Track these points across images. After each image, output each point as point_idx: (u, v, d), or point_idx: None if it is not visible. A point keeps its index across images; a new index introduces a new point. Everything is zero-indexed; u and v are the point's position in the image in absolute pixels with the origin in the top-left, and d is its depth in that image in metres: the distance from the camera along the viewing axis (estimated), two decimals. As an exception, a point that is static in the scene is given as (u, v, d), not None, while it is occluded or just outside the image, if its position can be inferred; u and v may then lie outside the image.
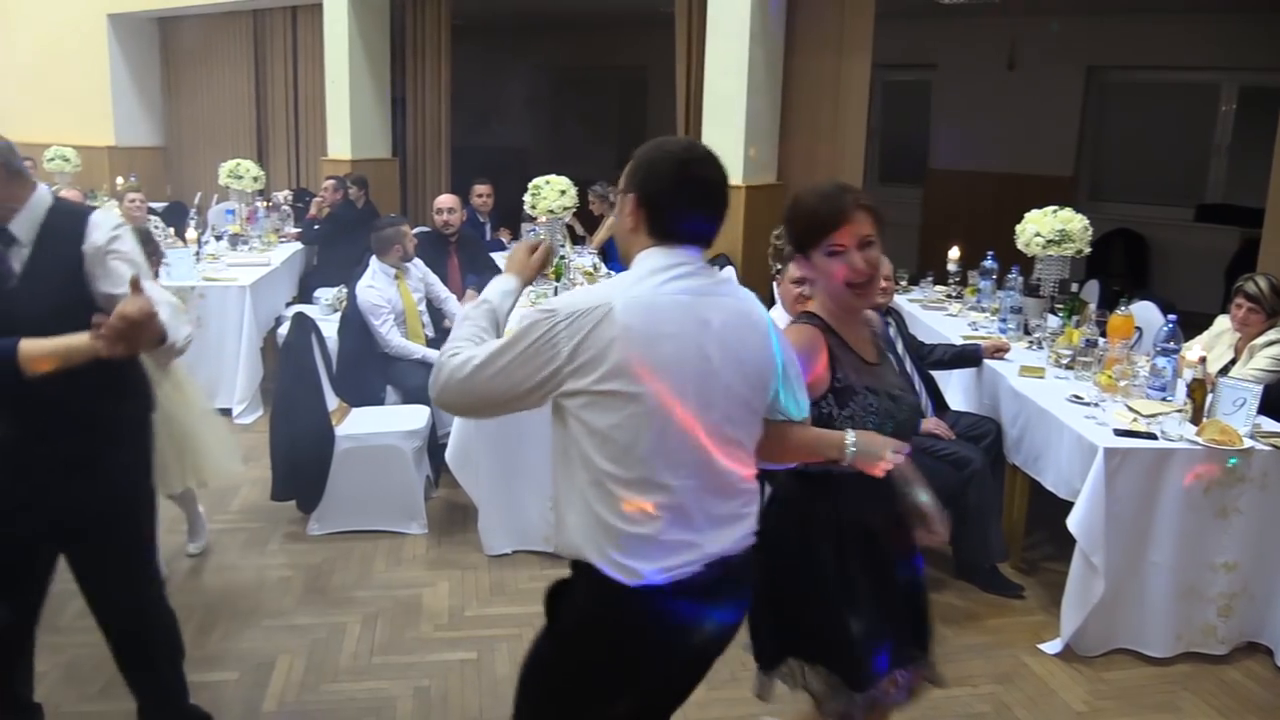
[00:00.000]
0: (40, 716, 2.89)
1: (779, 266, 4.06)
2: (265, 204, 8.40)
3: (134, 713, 2.83)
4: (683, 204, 1.89)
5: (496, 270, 6.56)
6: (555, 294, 5.52)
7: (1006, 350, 4.69)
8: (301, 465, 4.42)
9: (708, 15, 6.82)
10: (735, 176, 6.54)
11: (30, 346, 2.19)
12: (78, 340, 2.17)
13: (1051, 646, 3.68)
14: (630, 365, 1.79)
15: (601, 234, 7.68)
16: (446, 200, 6.54)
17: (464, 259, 6.51)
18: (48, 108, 11.30)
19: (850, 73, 6.76)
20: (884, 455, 2.07)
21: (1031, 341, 4.89)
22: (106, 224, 2.56)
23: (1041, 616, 3.93)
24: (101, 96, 11.43)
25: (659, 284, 1.86)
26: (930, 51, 10.50)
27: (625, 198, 1.94)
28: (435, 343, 5.49)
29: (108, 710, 3.17)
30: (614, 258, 7.54)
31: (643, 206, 1.91)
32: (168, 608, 2.82)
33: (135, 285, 2.21)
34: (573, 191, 6.48)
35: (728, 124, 6.70)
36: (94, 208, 2.68)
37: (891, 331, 4.28)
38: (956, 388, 5.04)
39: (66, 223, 2.51)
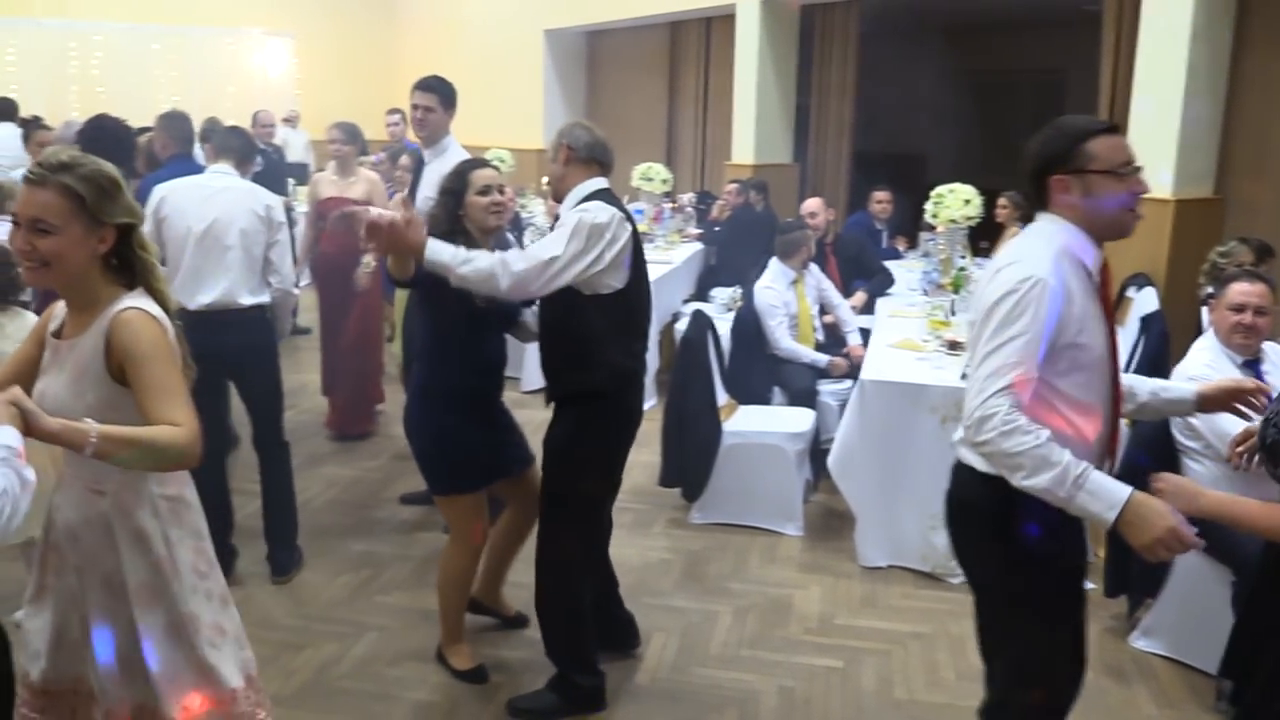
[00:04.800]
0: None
1: (1210, 290, 3.65)
2: (671, 205, 8.83)
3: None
4: None
5: (886, 274, 6.50)
6: (952, 308, 5.33)
7: None
8: (689, 456, 4.61)
9: (1141, 13, 6.27)
10: (1164, 189, 5.96)
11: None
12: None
13: None
14: None
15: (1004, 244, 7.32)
16: (810, 204, 6.62)
17: (845, 262, 6.50)
18: (487, 113, 12.57)
19: (1317, 74, 5.93)
20: None
21: None
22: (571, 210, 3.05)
23: None
24: (534, 103, 12.62)
25: None
26: None
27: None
28: (825, 348, 5.51)
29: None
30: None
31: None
32: (562, 563, 3.18)
33: (404, 203, 2.78)
34: (978, 201, 6.22)
35: (1158, 132, 6.11)
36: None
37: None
38: None
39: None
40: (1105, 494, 1.98)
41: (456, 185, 3.19)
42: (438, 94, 4.37)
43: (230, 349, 3.85)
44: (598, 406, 3.09)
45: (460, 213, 3.15)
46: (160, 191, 3.91)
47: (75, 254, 2.00)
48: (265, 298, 3.97)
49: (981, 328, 2.12)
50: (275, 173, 8.36)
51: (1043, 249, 2.13)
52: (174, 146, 5.07)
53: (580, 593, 3.24)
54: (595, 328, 3.00)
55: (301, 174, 10.56)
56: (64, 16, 13.13)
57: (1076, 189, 2.14)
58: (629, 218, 3.06)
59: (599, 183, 3.10)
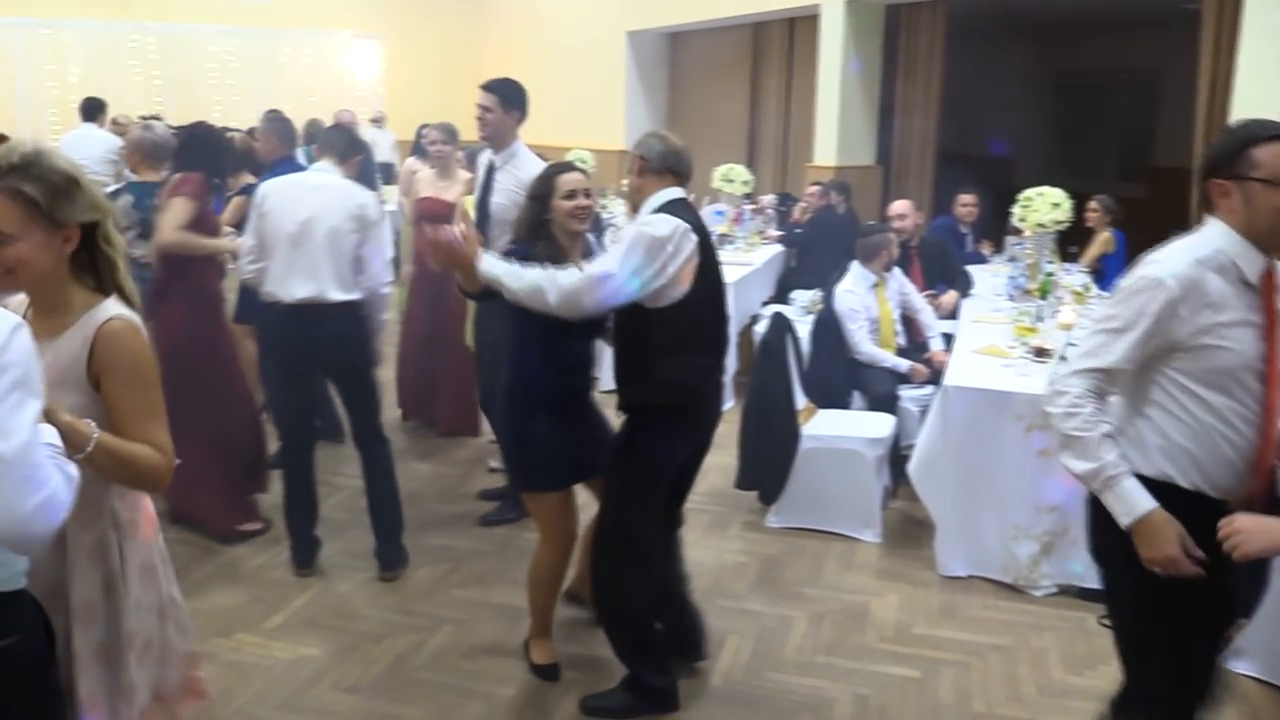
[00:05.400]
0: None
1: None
2: (752, 207, 8.77)
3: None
4: None
5: (967, 279, 6.37)
6: (1039, 314, 5.20)
7: None
8: (767, 459, 4.59)
9: (1242, 12, 6.06)
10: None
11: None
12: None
13: None
14: None
15: (1094, 250, 7.13)
16: (898, 206, 6.49)
17: (928, 266, 6.39)
18: (569, 114, 12.68)
19: None
20: None
21: None
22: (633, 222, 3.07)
23: None
24: (616, 105, 12.67)
25: None
26: None
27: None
28: (906, 352, 5.43)
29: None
30: (1108, 277, 6.98)
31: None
32: (620, 571, 3.18)
33: (464, 216, 2.92)
34: (1067, 205, 6.07)
35: (1260, 135, 5.91)
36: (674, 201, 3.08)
37: None
38: None
39: None
40: (1128, 501, 2.13)
41: (542, 190, 3.24)
42: (497, 94, 4.38)
43: (323, 341, 3.96)
44: (657, 418, 3.08)
45: (546, 216, 3.20)
46: (264, 188, 4.05)
47: (39, 258, 1.91)
48: (357, 294, 4.05)
49: (1101, 310, 2.25)
50: (367, 170, 8.51)
51: (1186, 252, 2.16)
52: (282, 149, 5.22)
53: (640, 596, 3.23)
54: (655, 342, 2.99)
55: (387, 173, 10.75)
56: (163, 20, 13.57)
57: (1237, 195, 2.13)
58: (699, 229, 3.04)
59: (673, 193, 3.08)
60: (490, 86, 4.42)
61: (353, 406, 4.18)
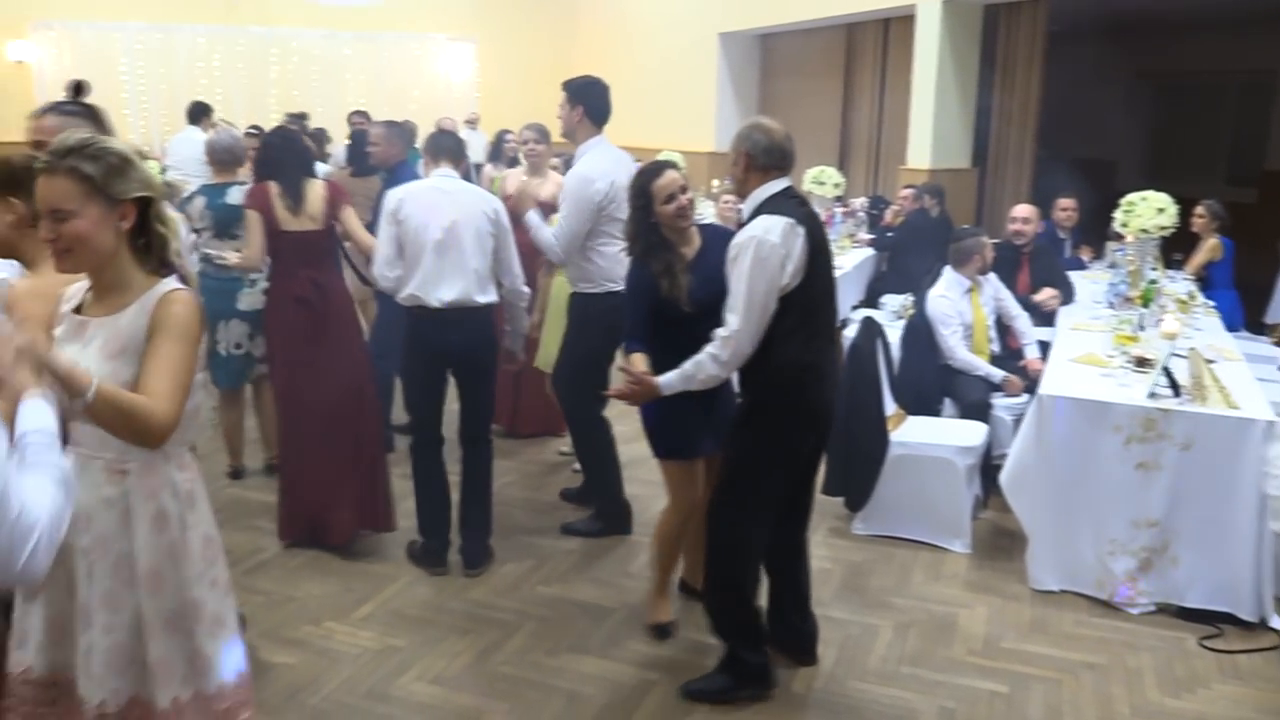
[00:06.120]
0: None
1: None
2: (843, 210, 8.68)
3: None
4: None
5: (1070, 288, 6.19)
6: (1141, 322, 5.04)
7: None
8: (855, 465, 4.52)
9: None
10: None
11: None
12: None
13: None
14: None
15: (1199, 257, 6.88)
16: (1023, 210, 6.31)
17: (1036, 272, 6.22)
18: (660, 115, 12.72)
19: None
20: None
21: None
22: (743, 232, 3.07)
23: None
24: (706, 106, 12.64)
25: None
26: None
27: None
28: (1000, 360, 5.30)
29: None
30: (1214, 285, 6.73)
31: None
32: (727, 542, 3.26)
33: (638, 372, 3.15)
34: (1172, 210, 5.87)
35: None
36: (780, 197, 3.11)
37: None
38: None
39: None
40: None
41: (641, 201, 3.38)
42: (567, 90, 4.42)
43: (463, 343, 4.06)
44: (773, 402, 3.14)
45: (652, 221, 3.36)
46: (397, 195, 4.07)
47: (98, 234, 2.00)
48: (494, 296, 4.13)
49: None
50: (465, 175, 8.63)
51: None
52: (403, 153, 5.34)
53: (745, 575, 3.29)
54: (773, 328, 3.04)
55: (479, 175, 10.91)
56: (266, 24, 13.98)
57: None
58: (806, 217, 3.08)
59: (779, 184, 3.13)
60: (564, 84, 4.47)
61: (470, 406, 4.24)
